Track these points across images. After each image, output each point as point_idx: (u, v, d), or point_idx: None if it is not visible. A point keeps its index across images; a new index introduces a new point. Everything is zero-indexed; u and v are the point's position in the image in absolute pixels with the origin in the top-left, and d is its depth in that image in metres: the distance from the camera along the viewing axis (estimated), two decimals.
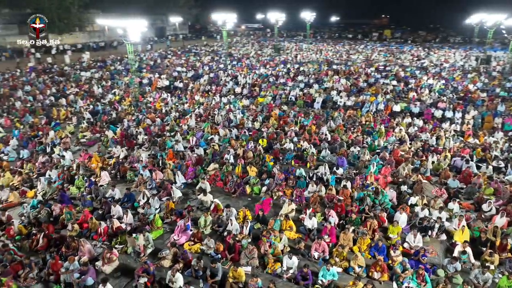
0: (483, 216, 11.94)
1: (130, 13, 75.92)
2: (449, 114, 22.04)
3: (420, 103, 23.96)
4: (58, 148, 16.74)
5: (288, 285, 9.16)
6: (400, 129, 19.30)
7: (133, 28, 23.90)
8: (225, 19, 37.63)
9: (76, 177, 14.22)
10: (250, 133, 19.34)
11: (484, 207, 12.21)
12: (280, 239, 10.44)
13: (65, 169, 14.62)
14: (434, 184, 14.49)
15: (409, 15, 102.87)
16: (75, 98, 26.16)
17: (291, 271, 9.39)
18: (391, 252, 10.01)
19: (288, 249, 10.39)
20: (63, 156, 15.92)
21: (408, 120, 21.24)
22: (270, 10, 54.43)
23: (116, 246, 10.43)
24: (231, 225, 11.02)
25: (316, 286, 8.97)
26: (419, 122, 20.99)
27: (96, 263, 9.70)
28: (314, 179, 14.38)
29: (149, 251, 10.28)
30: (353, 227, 11.18)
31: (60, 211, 11.81)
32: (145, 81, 32.27)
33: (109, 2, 71.29)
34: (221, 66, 39.61)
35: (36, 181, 13.89)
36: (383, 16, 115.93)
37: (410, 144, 17.96)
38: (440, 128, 19.79)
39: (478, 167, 15.38)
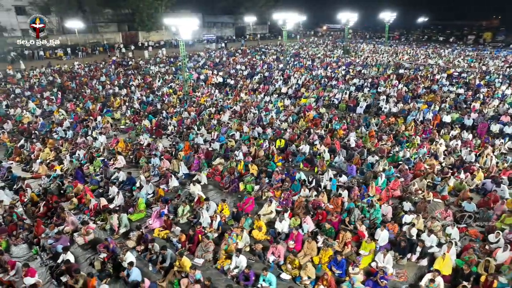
0: (486, 247, 10.26)
1: (214, 13, 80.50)
2: (509, 129, 19.02)
3: (479, 115, 21.07)
4: (95, 132, 18.84)
5: (228, 282, 9.14)
6: (436, 142, 17.35)
7: (185, 27, 25.42)
8: (285, 18, 37.57)
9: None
10: (274, 132, 19.29)
11: (491, 237, 10.48)
12: (241, 238, 10.43)
13: (90, 150, 16.44)
14: (450, 205, 12.81)
15: None
16: (135, 89, 28.91)
17: (236, 270, 9.35)
18: (350, 268, 9.29)
19: (248, 248, 10.33)
20: (95, 139, 17.91)
21: (454, 132, 18.91)
22: (354, 10, 52.34)
23: (98, 222, 11.55)
24: (202, 218, 11.33)
25: None
26: (468, 136, 18.56)
27: (75, 234, 10.88)
28: (313, 184, 13.90)
29: (122, 230, 11.14)
30: (324, 237, 10.62)
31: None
32: (202, 77, 34.06)
33: (197, 2, 76.53)
34: (281, 65, 39.72)
35: (64, 159, 15.90)
36: (494, 17, 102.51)
37: (443, 159, 16.09)
38: (490, 145, 17.23)
39: None
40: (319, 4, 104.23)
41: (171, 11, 62.87)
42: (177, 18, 26.06)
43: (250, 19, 66.49)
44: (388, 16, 55.82)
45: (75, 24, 43.12)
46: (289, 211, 11.77)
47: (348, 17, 47.76)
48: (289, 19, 37.98)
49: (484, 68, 39.18)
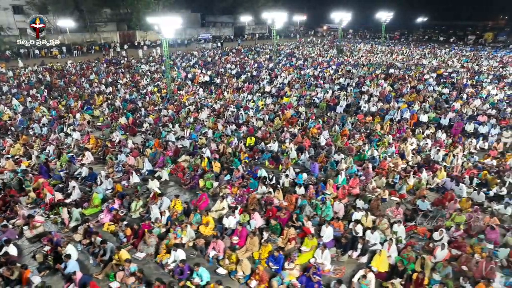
0: (430, 245, 10.21)
1: (214, 13, 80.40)
2: (483, 129, 18.87)
3: (456, 114, 20.93)
4: (69, 129, 19.03)
5: (163, 275, 9.18)
6: (406, 141, 17.29)
7: (167, 26, 25.53)
8: (273, 17, 37.56)
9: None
10: (247, 130, 19.33)
11: (435, 235, 10.43)
12: (186, 233, 10.51)
13: (60, 146, 16.64)
14: (406, 203, 12.79)
15: None
16: (120, 87, 29.11)
17: (173, 264, 9.43)
18: (286, 264, 9.32)
19: (191, 243, 10.41)
20: (68, 135, 18.09)
21: (428, 131, 18.82)
22: (355, 10, 52.09)
23: (51, 216, 11.71)
24: (152, 213, 11.43)
25: (188, 282, 8.87)
26: (442, 135, 18.44)
27: (24, 227, 11.03)
28: (273, 181, 13.93)
29: (73, 224, 11.26)
30: (268, 233, 10.65)
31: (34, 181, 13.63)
32: (190, 75, 34.20)
33: (197, 2, 76.91)
34: (271, 65, 39.74)
35: (33, 154, 16.08)
36: (500, 17, 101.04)
37: (411, 157, 16.04)
38: (460, 144, 17.13)
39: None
40: (320, 4, 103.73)
41: (168, 11, 63.18)
42: (160, 17, 26.21)
43: (246, 19, 66.53)
44: (384, 15, 55.49)
45: (68, 23, 43.49)
46: (239, 207, 11.82)
47: (341, 17, 47.56)
48: (277, 18, 37.91)
49: (476, 68, 38.87)
